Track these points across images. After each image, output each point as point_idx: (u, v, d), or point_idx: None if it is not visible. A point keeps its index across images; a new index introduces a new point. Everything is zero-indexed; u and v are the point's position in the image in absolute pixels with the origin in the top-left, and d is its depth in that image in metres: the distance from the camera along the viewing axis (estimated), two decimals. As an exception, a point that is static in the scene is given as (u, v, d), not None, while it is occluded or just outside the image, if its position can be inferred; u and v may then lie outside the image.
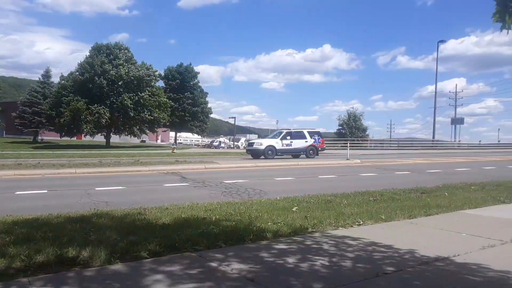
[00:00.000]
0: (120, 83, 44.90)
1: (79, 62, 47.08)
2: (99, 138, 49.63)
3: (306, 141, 25.59)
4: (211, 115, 68.85)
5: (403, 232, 5.85)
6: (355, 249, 4.87)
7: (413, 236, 5.64)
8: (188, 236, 5.09)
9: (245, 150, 28.88)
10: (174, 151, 35.22)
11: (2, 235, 4.97)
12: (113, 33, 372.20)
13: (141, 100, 44.60)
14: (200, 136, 75.24)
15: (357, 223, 6.35)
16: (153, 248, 4.64)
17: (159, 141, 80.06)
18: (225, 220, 6.25)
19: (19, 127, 55.44)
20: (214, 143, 67.76)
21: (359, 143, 50.77)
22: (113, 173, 15.22)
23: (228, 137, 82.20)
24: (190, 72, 62.20)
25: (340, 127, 64.09)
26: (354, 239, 5.33)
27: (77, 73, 46.05)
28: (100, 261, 4.19)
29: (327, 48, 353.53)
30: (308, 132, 26.27)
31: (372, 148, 49.78)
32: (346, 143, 31.41)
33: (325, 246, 4.95)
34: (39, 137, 57.93)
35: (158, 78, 52.52)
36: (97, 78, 43.09)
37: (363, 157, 26.20)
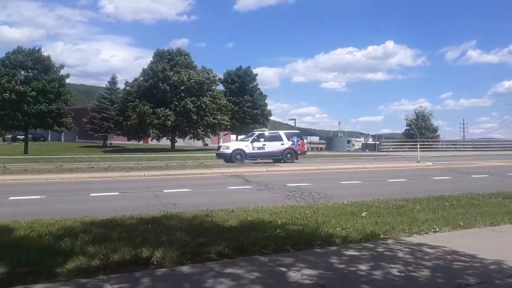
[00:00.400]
0: (182, 88, 46.52)
1: (143, 68, 49.55)
2: (164, 142, 51.80)
3: (283, 144, 23.60)
4: (271, 117, 69.23)
5: (486, 241, 5.48)
6: (432, 257, 4.64)
7: (498, 245, 5.26)
8: (255, 239, 5.15)
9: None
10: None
11: (81, 234, 5.35)
12: (173, 39, 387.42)
13: (203, 105, 45.90)
14: (260, 139, 75.87)
15: (432, 229, 6.05)
16: (222, 250, 4.75)
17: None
18: (291, 224, 6.24)
19: (90, 132, 59.47)
20: (275, 146, 67.72)
21: (430, 144, 48.46)
22: (179, 175, 15.82)
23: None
24: (249, 74, 63.00)
25: (408, 128, 61.75)
26: (430, 246, 5.08)
27: (141, 79, 48.45)
28: (172, 262, 4.37)
29: (390, 44, 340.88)
30: (286, 133, 24.67)
31: (444, 149, 47.25)
32: (415, 145, 30.14)
33: (400, 254, 4.77)
34: (108, 141, 61.72)
35: (218, 82, 53.71)
36: (160, 84, 45.07)
37: (434, 159, 24.94)
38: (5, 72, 38.04)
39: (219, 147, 24.43)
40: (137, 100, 45.89)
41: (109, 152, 42.55)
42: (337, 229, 5.89)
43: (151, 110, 43.86)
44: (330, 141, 68.21)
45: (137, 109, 44.12)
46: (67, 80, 43.36)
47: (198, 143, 62.06)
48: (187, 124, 46.47)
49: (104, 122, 57.45)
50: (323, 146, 73.84)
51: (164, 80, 45.51)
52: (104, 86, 65.18)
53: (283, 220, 6.46)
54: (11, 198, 10.32)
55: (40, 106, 38.26)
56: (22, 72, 39.25)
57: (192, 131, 47.48)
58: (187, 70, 47.22)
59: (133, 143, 56.78)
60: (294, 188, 11.74)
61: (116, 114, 50.19)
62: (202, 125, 46.80)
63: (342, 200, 8.83)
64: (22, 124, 39.66)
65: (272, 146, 23.37)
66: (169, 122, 44.06)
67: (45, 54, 41.60)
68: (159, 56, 49.14)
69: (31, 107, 37.98)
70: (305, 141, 25.94)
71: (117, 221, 6.39)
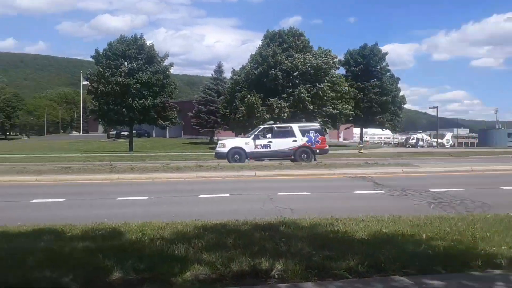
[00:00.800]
0: (295, 74, 46.99)
1: (251, 54, 51.08)
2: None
3: (295, 141, 22.70)
4: (405, 106, 66.44)
5: None
6: None
7: None
8: (394, 256, 5.01)
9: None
10: (362, 151, 35.24)
11: (194, 240, 5.75)
12: (284, 17, 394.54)
13: (320, 92, 45.79)
14: (390, 132, 73.44)
15: None
16: (353, 266, 4.72)
17: (340, 139, 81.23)
18: (439, 239, 5.95)
19: (196, 127, 63.40)
20: (410, 141, 65.37)
21: None
22: (295, 176, 16.15)
23: (428, 132, 78.08)
24: (376, 54, 61.08)
25: None
26: None
27: (249, 66, 50.01)
28: (296, 277, 4.44)
29: None
30: (300, 127, 23.37)
31: None
32: None
33: None
34: (215, 137, 65.19)
35: (338, 66, 53.12)
36: (272, 70, 46.04)
37: None
38: (107, 64, 42.32)
39: (216, 145, 24.22)
40: (245, 90, 47.53)
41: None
42: (503, 247, 5.48)
43: (260, 101, 45.04)
44: (484, 134, 63.42)
45: (245, 100, 45.73)
46: (171, 71, 46.69)
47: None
48: (301, 116, 46.79)
49: (211, 116, 60.66)
50: (474, 141, 68.84)
51: (275, 66, 46.41)
52: (210, 75, 68.84)
53: (429, 234, 6.19)
54: (119, 198, 11.53)
55: (145, 101, 41.82)
56: (126, 63, 43.28)
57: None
58: (301, 53, 47.52)
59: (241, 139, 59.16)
60: (439, 194, 11.17)
61: (222, 106, 52.65)
62: (320, 116, 46.70)
63: (506, 210, 8.14)
64: (126, 120, 43.84)
65: (281, 144, 22.72)
66: (285, 115, 44.63)
67: (148, 42, 45.32)
68: (269, 38, 50.21)
69: (136, 101, 41.74)
70: (326, 137, 24.57)
71: (231, 227, 6.75)
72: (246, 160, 22.37)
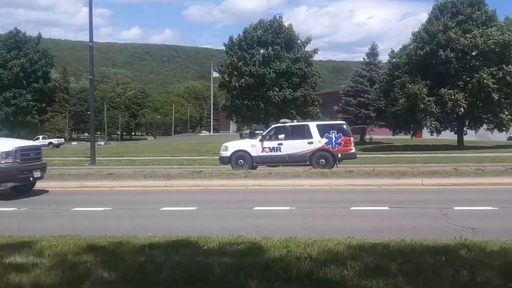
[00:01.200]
0: (474, 54, 44.49)
1: (413, 31, 49.40)
2: (446, 136, 50.68)
3: (311, 142, 21.95)
4: None
5: None
6: None
7: None
8: None
9: None
10: None
11: (349, 262, 5.74)
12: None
13: (508, 77, 42.77)
14: None
15: None
16: None
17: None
18: None
19: (343, 124, 63.12)
20: None
21: None
22: (476, 185, 15.58)
23: None
24: None
25: None
26: None
27: (412, 46, 48.40)
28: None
29: None
30: (318, 126, 22.53)
31: None
32: None
33: None
34: (367, 136, 64.36)
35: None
36: (442, 51, 44.01)
37: None
38: (241, 54, 43.66)
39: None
40: (406, 76, 46.17)
41: (368, 151, 44.28)
42: None
43: (426, 90, 43.39)
44: None
45: (405, 89, 44.44)
46: (314, 57, 46.71)
47: (500, 137, 58.21)
48: (483, 109, 43.98)
49: (362, 110, 59.80)
50: None
51: (446, 45, 44.36)
52: (360, 60, 68.13)
53: None
54: (256, 208, 12.00)
55: (285, 93, 42.41)
56: (261, 50, 44.33)
57: (491, 118, 44.69)
58: (482, 26, 44.75)
59: (400, 138, 57.45)
60: None
61: (377, 97, 51.72)
62: (509, 108, 43.48)
63: None
64: (262, 116, 44.90)
65: (294, 146, 22.25)
66: (461, 109, 42.46)
67: (286, 23, 45.79)
68: (439, 9, 48.18)
69: (275, 94, 42.47)
70: (351, 138, 22.75)
71: (394, 247, 6.65)
72: (254, 165, 22.42)
